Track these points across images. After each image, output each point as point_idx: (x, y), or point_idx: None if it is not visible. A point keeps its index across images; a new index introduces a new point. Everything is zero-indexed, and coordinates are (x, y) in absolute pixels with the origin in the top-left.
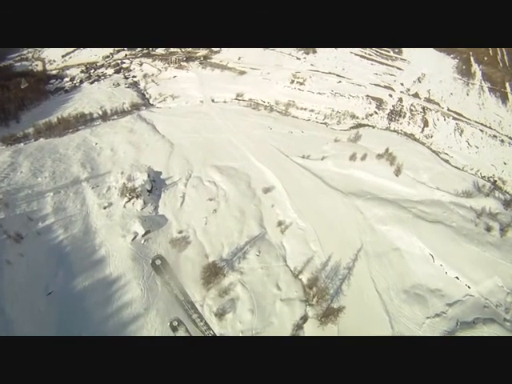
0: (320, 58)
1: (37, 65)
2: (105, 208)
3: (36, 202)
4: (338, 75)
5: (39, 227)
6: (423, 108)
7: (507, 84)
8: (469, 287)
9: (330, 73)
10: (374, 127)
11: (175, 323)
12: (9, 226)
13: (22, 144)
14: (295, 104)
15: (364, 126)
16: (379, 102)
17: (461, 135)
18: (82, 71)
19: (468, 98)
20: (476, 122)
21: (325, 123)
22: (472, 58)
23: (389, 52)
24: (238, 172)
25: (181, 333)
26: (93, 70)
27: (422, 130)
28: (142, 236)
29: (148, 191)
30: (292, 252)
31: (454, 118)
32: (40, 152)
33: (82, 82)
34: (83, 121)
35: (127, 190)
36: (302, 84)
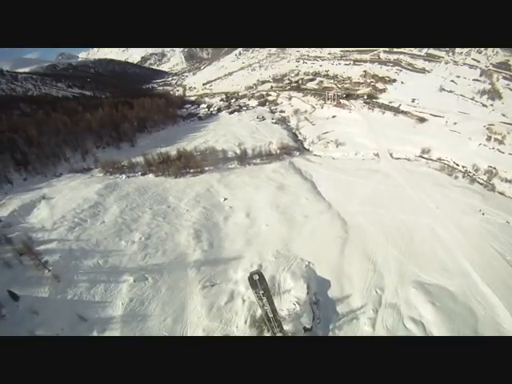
0: (510, 105)
1: (178, 90)
2: None
3: (103, 287)
4: None
5: None
6: None
7: None
8: None
9: None
10: None
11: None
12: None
13: (123, 176)
14: (498, 173)
15: None
16: None
17: None
18: (221, 99)
19: None
20: None
21: None
22: None
23: None
24: (457, 304)
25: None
26: (233, 100)
27: None
28: None
29: (305, 330)
30: None
31: None
32: (140, 195)
33: (219, 110)
34: (212, 159)
35: (264, 321)
36: (501, 143)
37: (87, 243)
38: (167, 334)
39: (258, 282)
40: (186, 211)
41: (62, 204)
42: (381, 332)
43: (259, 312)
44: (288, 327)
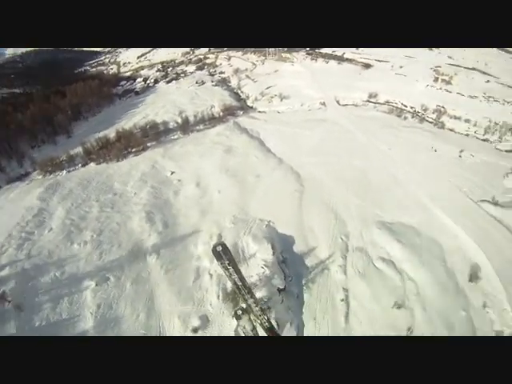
0: (457, 49)
1: (112, 68)
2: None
3: (67, 301)
4: (483, 72)
5: None
6: None
7: None
8: None
9: (474, 69)
10: None
11: (239, 312)
12: None
13: (63, 172)
14: (446, 111)
15: None
16: None
17: None
18: (157, 70)
19: None
20: None
21: (485, 139)
22: None
23: None
24: (422, 238)
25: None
26: (170, 69)
27: None
28: None
29: (280, 291)
30: None
31: None
32: (84, 189)
33: (156, 81)
34: (154, 134)
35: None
36: (448, 83)
37: (39, 258)
38: (144, 333)
39: (221, 253)
40: (133, 195)
41: (4, 222)
42: (353, 276)
43: (229, 284)
44: (261, 292)
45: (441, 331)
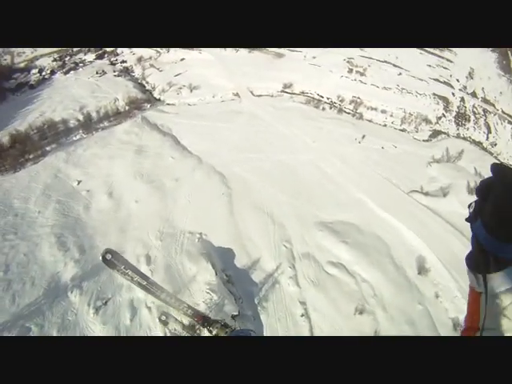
0: None
1: (6, 59)
2: None
3: None
4: (394, 65)
5: None
6: (484, 110)
7: None
8: None
9: (385, 61)
10: (448, 135)
11: (163, 317)
12: None
13: None
14: (362, 102)
15: (439, 133)
16: (446, 103)
17: None
18: (54, 59)
19: None
20: None
21: (403, 129)
22: (509, 53)
23: None
24: (365, 235)
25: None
26: (68, 58)
27: (487, 137)
28: None
29: (234, 317)
30: None
31: (509, 122)
32: None
33: (53, 72)
34: (53, 135)
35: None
36: (362, 75)
37: None
38: None
39: (113, 260)
40: (37, 214)
41: None
42: (307, 287)
43: (171, 311)
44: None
45: (404, 328)
